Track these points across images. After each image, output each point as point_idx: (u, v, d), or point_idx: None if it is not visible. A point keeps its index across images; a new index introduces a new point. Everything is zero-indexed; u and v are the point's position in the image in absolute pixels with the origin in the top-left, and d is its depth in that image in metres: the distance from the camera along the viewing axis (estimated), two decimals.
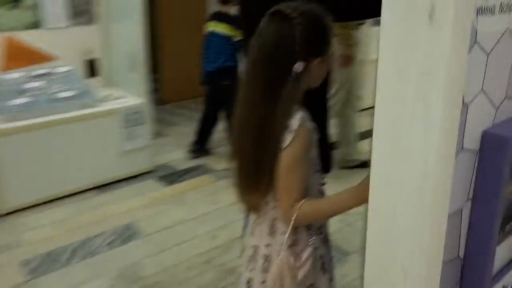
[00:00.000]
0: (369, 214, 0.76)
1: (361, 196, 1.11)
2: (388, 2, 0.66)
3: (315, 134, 1.26)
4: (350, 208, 1.18)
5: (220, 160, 4.06)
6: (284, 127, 1.17)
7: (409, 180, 0.68)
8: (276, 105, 1.16)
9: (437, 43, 0.62)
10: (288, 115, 1.17)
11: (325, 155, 1.31)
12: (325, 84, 1.61)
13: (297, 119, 1.17)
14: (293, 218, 1.20)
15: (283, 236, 1.28)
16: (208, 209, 3.28)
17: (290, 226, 1.21)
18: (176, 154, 4.24)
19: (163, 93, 5.74)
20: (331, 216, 1.29)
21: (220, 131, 4.20)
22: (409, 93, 0.66)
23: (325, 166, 1.47)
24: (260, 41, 1.19)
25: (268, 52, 1.17)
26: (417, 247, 0.69)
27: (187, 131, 4.49)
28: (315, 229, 1.34)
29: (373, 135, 0.72)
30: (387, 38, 0.68)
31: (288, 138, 1.17)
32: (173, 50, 5.64)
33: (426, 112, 0.65)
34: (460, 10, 0.60)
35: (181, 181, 3.74)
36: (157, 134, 4.41)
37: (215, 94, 3.96)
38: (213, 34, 3.82)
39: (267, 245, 1.33)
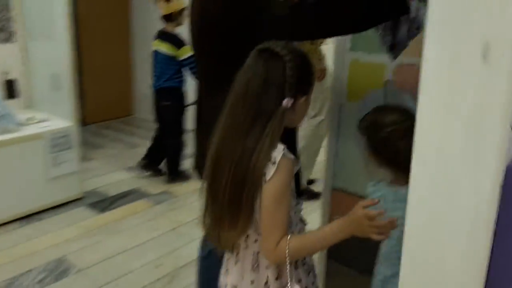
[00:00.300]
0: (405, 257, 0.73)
1: (350, 229, 1.15)
2: (433, 40, 0.64)
3: (296, 166, 1.24)
4: (339, 240, 1.18)
5: (156, 183, 3.90)
6: (268, 160, 1.15)
7: (459, 223, 0.66)
8: (260, 139, 1.15)
9: (492, 83, 0.61)
10: (273, 148, 1.16)
11: (296, 180, 1.29)
12: None
13: (280, 151, 1.16)
14: (286, 257, 1.17)
15: (268, 270, 1.25)
16: (147, 236, 3.11)
17: (288, 265, 1.17)
18: (106, 179, 4.01)
19: (85, 113, 5.44)
20: (320, 249, 1.27)
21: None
22: (458, 133, 0.64)
23: (297, 191, 1.44)
24: (248, 75, 1.18)
25: (257, 87, 1.17)
26: None
27: (114, 153, 4.27)
28: (299, 260, 1.30)
29: (413, 173, 0.69)
30: (433, 75, 0.65)
31: (271, 171, 1.15)
32: (95, 68, 5.39)
33: (477, 154, 0.63)
34: None
35: (114, 207, 3.53)
36: (83, 158, 4.14)
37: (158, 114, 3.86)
38: (157, 53, 3.71)
39: (252, 282, 1.27)
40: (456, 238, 0.67)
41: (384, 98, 1.71)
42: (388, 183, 1.47)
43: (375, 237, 1.15)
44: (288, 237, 1.17)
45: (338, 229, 1.17)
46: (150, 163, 4.03)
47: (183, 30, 2.91)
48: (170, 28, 3.66)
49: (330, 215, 1.90)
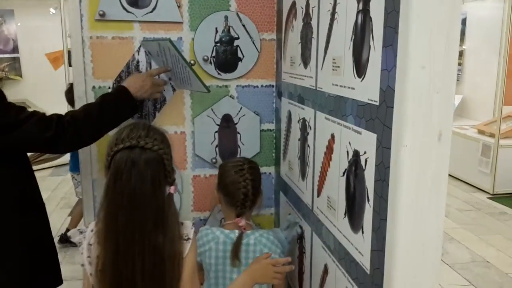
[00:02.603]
0: None
1: (256, 276, 1.44)
2: (408, 128, 0.93)
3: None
4: None
5: None
6: (181, 239, 1.20)
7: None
8: (166, 228, 1.16)
9: (443, 154, 0.96)
10: (179, 229, 1.20)
11: None
12: None
13: (190, 227, 1.24)
14: None
15: None
16: None
17: None
18: None
19: None
20: None
21: None
22: (424, 199, 0.97)
23: None
24: (131, 182, 1.13)
25: (146, 192, 1.14)
26: None
27: None
28: None
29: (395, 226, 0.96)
30: (409, 153, 0.94)
31: (187, 247, 1.20)
32: None
33: (436, 195, 0.98)
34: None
35: None
36: None
37: None
38: None
39: None
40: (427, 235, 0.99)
41: None
42: (220, 225, 1.73)
43: (276, 281, 1.46)
44: None
45: (247, 279, 1.43)
46: None
47: None
48: None
49: None
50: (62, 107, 6.24)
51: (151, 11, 1.86)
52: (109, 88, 1.87)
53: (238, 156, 2.00)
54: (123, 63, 1.88)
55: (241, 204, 1.62)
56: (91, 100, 1.86)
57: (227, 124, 1.99)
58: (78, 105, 1.86)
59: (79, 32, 1.83)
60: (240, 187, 1.62)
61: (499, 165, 5.00)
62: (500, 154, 5.00)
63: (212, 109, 1.96)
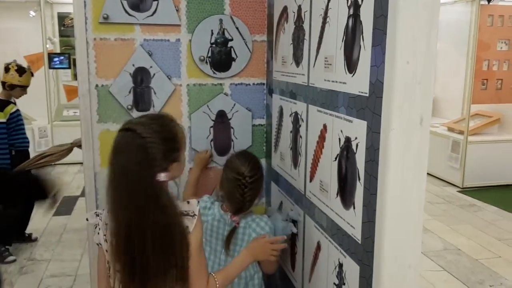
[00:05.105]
0: None
1: (255, 253, 1.60)
2: (395, 115, 1.11)
3: None
4: (248, 263, 1.60)
5: None
6: (182, 216, 1.28)
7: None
8: (162, 206, 1.25)
9: (425, 136, 1.14)
10: (176, 209, 1.28)
11: None
12: None
13: (195, 205, 1.32)
14: None
15: None
16: None
17: None
18: None
19: None
20: (237, 275, 1.58)
21: None
22: (408, 175, 1.15)
23: None
24: (121, 161, 1.24)
25: (134, 173, 1.24)
26: None
27: None
28: None
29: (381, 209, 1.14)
30: (396, 136, 1.12)
31: (192, 222, 1.29)
32: None
33: (419, 176, 1.16)
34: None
35: None
36: None
37: None
38: None
39: None
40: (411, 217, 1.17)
41: None
42: (220, 205, 1.80)
43: (273, 258, 1.63)
44: (214, 276, 1.40)
45: (246, 255, 1.58)
46: None
47: None
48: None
49: None
50: (41, 109, 6.28)
51: (152, 15, 2.00)
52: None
53: (231, 150, 2.15)
54: (124, 63, 2.01)
55: (238, 209, 1.74)
56: (94, 98, 1.99)
57: (221, 120, 2.14)
58: (82, 102, 1.99)
59: (83, 34, 1.96)
60: (237, 200, 1.71)
61: (468, 161, 5.28)
62: (469, 150, 5.29)
63: (207, 106, 2.12)
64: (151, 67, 2.03)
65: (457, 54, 6.13)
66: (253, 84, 2.18)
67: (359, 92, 1.28)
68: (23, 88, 3.67)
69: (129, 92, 2.03)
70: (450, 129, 5.70)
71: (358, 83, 1.28)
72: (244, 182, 1.70)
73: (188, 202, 1.34)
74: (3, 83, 3.61)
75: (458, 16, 6.11)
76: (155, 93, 2.05)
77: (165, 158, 1.29)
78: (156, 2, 1.99)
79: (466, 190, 5.25)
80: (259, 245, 1.61)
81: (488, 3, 5.08)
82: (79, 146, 2.81)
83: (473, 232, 4.08)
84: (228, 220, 1.76)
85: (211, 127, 2.14)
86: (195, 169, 2.09)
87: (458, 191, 5.27)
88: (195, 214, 1.31)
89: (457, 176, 5.38)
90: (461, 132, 5.40)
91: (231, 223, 1.75)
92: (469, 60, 5.45)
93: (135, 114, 2.03)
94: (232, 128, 2.16)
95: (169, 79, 2.07)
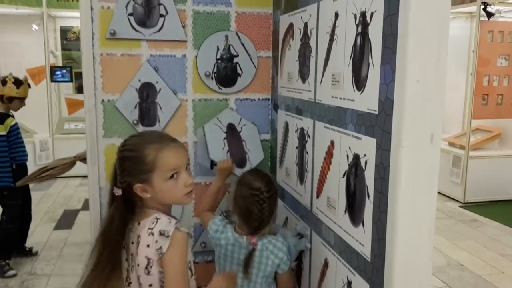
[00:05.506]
0: None
1: (224, 283, 1.55)
2: (406, 132, 1.11)
3: (190, 240, 1.41)
4: None
5: None
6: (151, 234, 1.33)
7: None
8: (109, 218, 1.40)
9: (435, 153, 1.15)
10: (113, 226, 1.37)
11: None
12: None
13: (169, 224, 1.32)
14: None
15: None
16: None
17: None
18: None
19: None
20: None
21: None
22: (419, 192, 1.15)
23: None
24: None
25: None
26: None
27: None
28: None
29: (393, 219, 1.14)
30: (406, 153, 1.12)
31: (166, 243, 1.30)
32: None
33: (429, 191, 1.16)
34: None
35: None
36: None
37: None
38: None
39: None
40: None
41: None
42: (233, 228, 1.74)
43: None
44: None
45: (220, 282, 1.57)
46: None
47: None
48: None
49: None
50: (42, 122, 6.29)
51: (158, 31, 2.01)
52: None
53: (248, 162, 2.11)
54: (130, 78, 2.02)
55: (256, 228, 1.70)
56: (100, 113, 2.00)
57: (232, 132, 2.13)
58: (88, 116, 1.99)
59: (90, 49, 1.97)
60: (256, 217, 1.66)
61: (469, 175, 5.28)
62: (470, 165, 5.29)
63: (217, 118, 2.11)
64: (157, 82, 2.04)
65: (457, 70, 6.17)
66: (258, 99, 2.19)
67: (368, 109, 1.28)
68: (21, 100, 3.66)
69: (135, 107, 2.03)
70: (451, 144, 5.71)
71: (366, 101, 1.29)
72: (262, 197, 1.66)
73: (158, 219, 1.34)
74: (1, 96, 3.61)
75: (458, 32, 6.16)
76: (160, 108, 2.06)
77: (124, 175, 1.36)
78: (162, 18, 2.00)
79: (467, 205, 5.24)
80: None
81: (488, 19, 5.12)
82: (82, 160, 2.82)
83: (475, 248, 4.06)
84: (244, 243, 1.71)
85: (225, 138, 2.12)
86: (218, 179, 2.01)
87: (459, 206, 5.25)
88: (168, 235, 1.30)
89: (458, 191, 5.38)
90: (462, 147, 5.41)
91: (247, 246, 1.70)
92: (469, 76, 5.48)
93: (141, 129, 2.04)
94: (244, 140, 2.15)
95: (175, 94, 2.07)
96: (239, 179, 1.79)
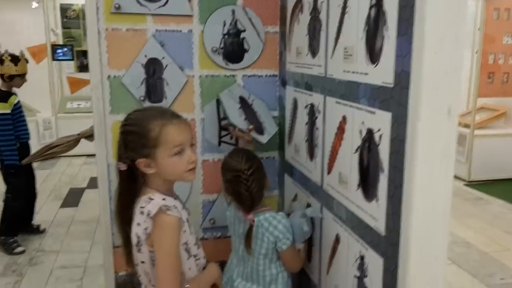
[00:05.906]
0: None
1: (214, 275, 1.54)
2: (423, 105, 1.09)
3: (185, 223, 1.40)
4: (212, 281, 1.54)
5: None
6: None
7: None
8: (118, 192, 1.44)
9: (453, 126, 1.13)
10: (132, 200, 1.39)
11: None
12: None
13: (156, 204, 1.32)
14: None
15: None
16: None
17: None
18: None
19: None
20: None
21: None
22: (436, 166, 1.13)
23: None
24: None
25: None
26: None
27: None
28: None
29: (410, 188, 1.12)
30: (423, 127, 1.10)
31: (149, 223, 1.32)
32: None
33: (446, 169, 1.14)
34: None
35: None
36: None
37: None
38: None
39: None
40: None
41: None
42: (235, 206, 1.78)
43: None
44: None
45: (210, 274, 1.54)
46: None
47: None
48: None
49: None
50: (45, 101, 6.25)
51: (164, 5, 1.97)
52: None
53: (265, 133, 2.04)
54: (136, 54, 1.99)
55: (249, 206, 1.69)
56: (107, 89, 1.97)
57: (245, 104, 2.08)
58: (94, 93, 1.96)
59: (95, 24, 1.93)
60: (246, 197, 1.67)
61: (474, 154, 5.27)
62: (475, 144, 5.27)
63: (229, 90, 2.08)
64: (163, 58, 2.01)
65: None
66: (266, 75, 2.15)
67: (382, 83, 1.25)
68: (22, 77, 3.63)
69: (142, 83, 2.01)
70: None
71: (381, 74, 1.26)
72: (245, 177, 1.65)
73: (159, 203, 1.32)
74: (1, 76, 3.58)
75: None
76: (167, 84, 2.03)
77: (128, 150, 1.35)
78: None
79: (472, 184, 5.24)
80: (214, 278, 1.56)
81: None
82: (87, 137, 2.80)
83: (481, 225, 4.07)
84: (242, 218, 1.74)
85: (240, 108, 2.05)
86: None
87: (464, 185, 5.25)
88: (151, 216, 1.30)
89: (463, 169, 5.36)
90: (467, 126, 5.38)
91: (245, 220, 1.73)
92: (475, 54, 5.42)
93: (147, 105, 2.01)
94: (256, 112, 2.10)
95: (182, 70, 2.04)
96: (222, 165, 1.78)
